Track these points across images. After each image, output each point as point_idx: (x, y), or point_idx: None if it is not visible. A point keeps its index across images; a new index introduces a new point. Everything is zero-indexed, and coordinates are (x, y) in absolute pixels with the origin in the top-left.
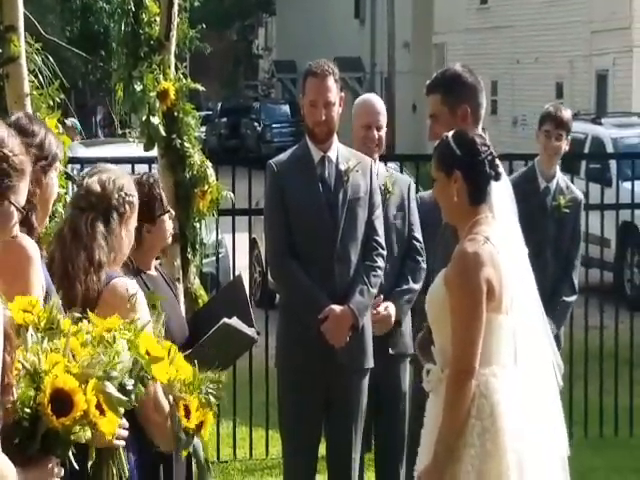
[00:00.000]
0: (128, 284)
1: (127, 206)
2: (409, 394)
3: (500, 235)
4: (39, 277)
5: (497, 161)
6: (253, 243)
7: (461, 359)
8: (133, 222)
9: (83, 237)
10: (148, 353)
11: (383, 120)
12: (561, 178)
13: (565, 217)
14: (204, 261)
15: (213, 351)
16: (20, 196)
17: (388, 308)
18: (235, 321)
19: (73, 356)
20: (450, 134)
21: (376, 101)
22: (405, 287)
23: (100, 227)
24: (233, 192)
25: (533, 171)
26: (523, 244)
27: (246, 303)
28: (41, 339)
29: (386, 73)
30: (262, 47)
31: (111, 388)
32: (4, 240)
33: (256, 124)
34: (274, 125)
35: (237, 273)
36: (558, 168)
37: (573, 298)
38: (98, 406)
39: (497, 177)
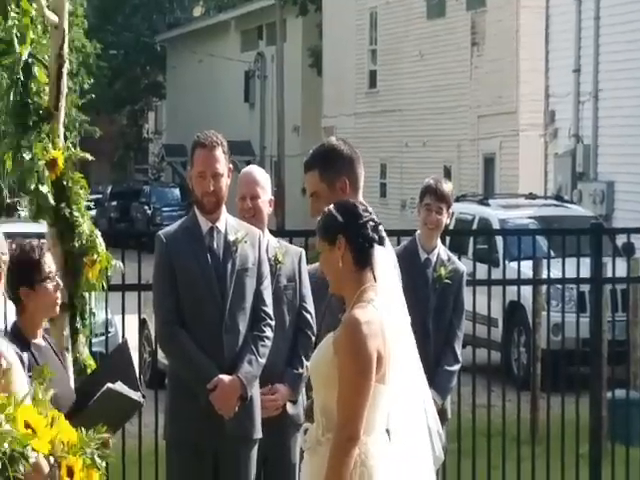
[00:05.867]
0: (2, 349)
1: (2, 264)
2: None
3: (384, 301)
4: None
5: (380, 227)
6: (143, 323)
7: (347, 426)
8: (4, 277)
9: None
10: (28, 425)
11: (260, 190)
12: (442, 250)
13: (447, 288)
14: (94, 340)
15: (99, 416)
16: None
17: (277, 394)
18: (119, 385)
19: None
20: (331, 205)
21: (253, 171)
22: (300, 371)
23: None
24: (123, 276)
25: (414, 244)
26: (406, 310)
27: (131, 367)
28: None
29: (276, 156)
30: (152, 131)
31: None
32: None
33: (146, 207)
34: (164, 208)
35: (123, 339)
36: (439, 241)
37: (456, 367)
38: None
39: (380, 241)
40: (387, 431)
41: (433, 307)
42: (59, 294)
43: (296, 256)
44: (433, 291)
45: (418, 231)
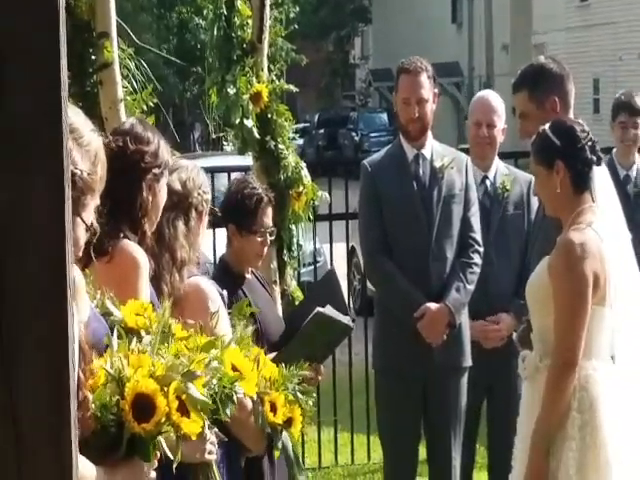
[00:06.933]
0: (204, 283)
1: (204, 203)
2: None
3: (604, 222)
4: (146, 286)
5: (597, 146)
6: (352, 251)
7: (565, 351)
8: (206, 216)
9: (166, 237)
10: (234, 368)
11: (496, 118)
12: None
13: None
14: (302, 270)
15: (310, 341)
16: (89, 214)
17: (501, 323)
18: (329, 310)
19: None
20: (547, 126)
21: (490, 98)
22: None
23: (181, 226)
24: (330, 205)
25: (611, 162)
26: (626, 228)
27: (340, 293)
28: (150, 341)
29: (485, 77)
30: (359, 56)
31: (193, 390)
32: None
33: (354, 134)
34: (372, 134)
35: (331, 267)
36: (637, 155)
37: None
38: (181, 408)
39: (599, 162)
40: (612, 357)
41: (637, 223)
42: (265, 250)
43: (525, 183)
44: (636, 207)
45: (614, 149)
